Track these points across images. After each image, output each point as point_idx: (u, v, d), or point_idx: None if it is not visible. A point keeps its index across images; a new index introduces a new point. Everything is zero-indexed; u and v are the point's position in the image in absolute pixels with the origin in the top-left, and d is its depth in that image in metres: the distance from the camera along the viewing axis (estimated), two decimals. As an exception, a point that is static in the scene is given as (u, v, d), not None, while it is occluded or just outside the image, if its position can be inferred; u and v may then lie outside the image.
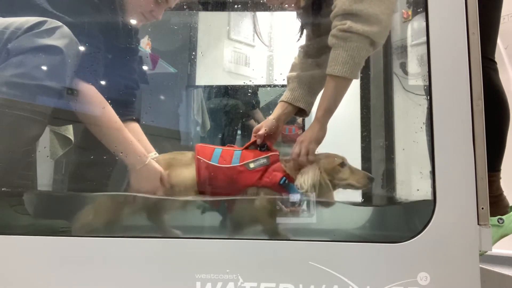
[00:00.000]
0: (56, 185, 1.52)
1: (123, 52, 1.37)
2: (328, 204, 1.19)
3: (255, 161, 1.20)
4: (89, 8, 1.22)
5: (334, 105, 1.19)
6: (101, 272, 0.92)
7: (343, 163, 1.21)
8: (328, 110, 1.19)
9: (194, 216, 1.24)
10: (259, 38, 1.62)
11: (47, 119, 1.12)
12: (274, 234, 1.17)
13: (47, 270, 0.92)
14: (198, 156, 1.20)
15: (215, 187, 1.19)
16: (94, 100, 1.17)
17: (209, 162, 1.19)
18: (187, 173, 1.21)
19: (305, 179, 1.15)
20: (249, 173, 1.18)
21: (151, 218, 1.24)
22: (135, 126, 1.33)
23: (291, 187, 1.17)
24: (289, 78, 1.40)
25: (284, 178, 1.17)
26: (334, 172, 1.20)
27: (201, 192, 1.19)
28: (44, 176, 1.45)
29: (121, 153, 1.17)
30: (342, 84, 1.16)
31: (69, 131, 1.52)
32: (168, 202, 1.23)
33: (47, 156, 1.48)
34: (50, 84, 1.08)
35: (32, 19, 1.08)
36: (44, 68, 1.07)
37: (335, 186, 1.21)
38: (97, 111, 1.17)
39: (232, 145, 1.31)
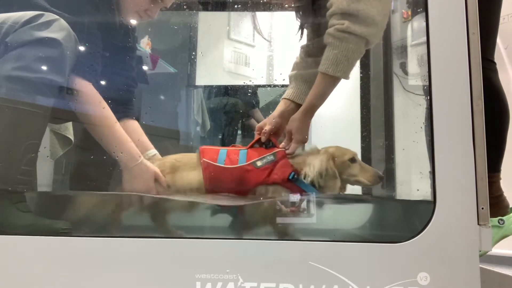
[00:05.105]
0: (56, 185, 1.52)
1: (120, 49, 1.37)
2: (335, 191, 1.17)
3: (262, 159, 1.18)
4: (84, 5, 1.22)
5: (322, 101, 1.22)
6: (101, 272, 0.91)
7: (353, 159, 1.20)
8: (317, 105, 1.22)
9: (204, 218, 1.23)
10: (260, 34, 1.62)
11: (48, 112, 1.11)
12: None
13: (47, 270, 0.92)
14: (204, 159, 1.18)
15: (224, 188, 1.17)
16: (90, 98, 1.17)
17: (216, 164, 1.17)
18: (192, 176, 1.19)
19: (311, 167, 1.14)
20: (257, 171, 1.16)
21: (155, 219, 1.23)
22: (134, 124, 1.32)
23: (300, 181, 1.15)
24: (291, 77, 1.42)
25: (293, 173, 1.15)
26: (343, 167, 1.18)
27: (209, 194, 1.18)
28: (44, 176, 1.45)
29: (114, 151, 1.16)
30: (333, 83, 1.19)
31: (69, 131, 1.51)
32: (175, 203, 1.22)
33: (47, 156, 1.47)
34: (49, 76, 1.08)
35: (29, 13, 1.08)
36: (43, 60, 1.07)
37: (343, 182, 1.19)
38: (92, 109, 1.16)
39: (236, 145, 1.30)
